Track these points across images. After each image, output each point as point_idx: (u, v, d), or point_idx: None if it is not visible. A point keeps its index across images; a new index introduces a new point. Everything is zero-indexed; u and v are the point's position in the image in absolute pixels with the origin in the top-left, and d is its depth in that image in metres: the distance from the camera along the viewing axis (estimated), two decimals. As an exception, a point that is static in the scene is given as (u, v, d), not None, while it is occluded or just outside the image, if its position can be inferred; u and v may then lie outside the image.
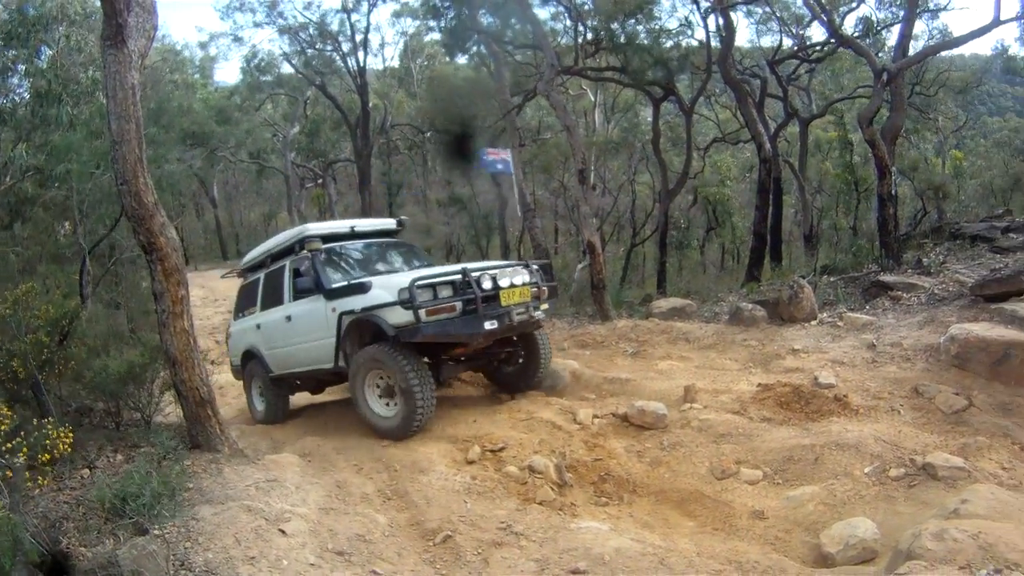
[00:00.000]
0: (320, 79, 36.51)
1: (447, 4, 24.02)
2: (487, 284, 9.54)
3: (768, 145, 21.87)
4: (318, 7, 53.31)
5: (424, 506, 7.36)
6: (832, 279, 15.44)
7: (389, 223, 12.53)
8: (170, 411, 9.82)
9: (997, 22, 16.17)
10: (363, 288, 9.72)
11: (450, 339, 9.48)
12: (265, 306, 11.97)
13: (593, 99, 33.68)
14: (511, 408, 10.13)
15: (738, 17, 24.18)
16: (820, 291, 14.17)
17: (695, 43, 24.36)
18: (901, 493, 7.12)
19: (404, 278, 9.43)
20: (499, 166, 18.42)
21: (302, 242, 10.99)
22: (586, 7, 23.37)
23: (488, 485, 7.75)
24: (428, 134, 37.52)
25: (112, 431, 9.33)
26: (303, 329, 10.81)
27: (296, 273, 11.12)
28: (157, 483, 6.49)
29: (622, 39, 22.24)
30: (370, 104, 36.25)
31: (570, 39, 24.17)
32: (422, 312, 8.99)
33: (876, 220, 17.13)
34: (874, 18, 23.98)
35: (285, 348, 11.36)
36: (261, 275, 12.27)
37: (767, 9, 25.08)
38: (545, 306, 10.48)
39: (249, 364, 12.47)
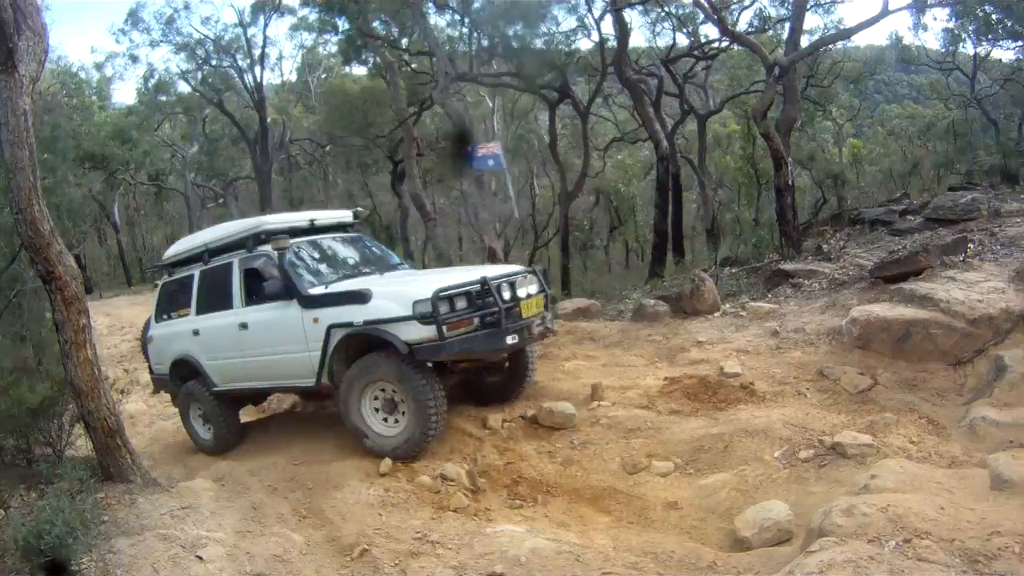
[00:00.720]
0: (218, 96, 36.04)
1: (342, 14, 23.74)
2: (507, 295, 8.83)
3: (665, 143, 22.24)
4: (216, 22, 52.51)
5: (340, 522, 7.31)
6: (734, 271, 15.67)
7: (346, 215, 11.32)
8: (81, 444, 9.39)
9: (886, 12, 16.77)
10: (361, 297, 8.56)
11: (471, 356, 8.81)
12: (204, 308, 10.51)
13: (491, 105, 33.79)
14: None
15: (633, 18, 24.54)
16: (722, 283, 14.33)
17: (590, 45, 24.62)
18: (812, 474, 7.22)
19: (414, 286, 8.63)
20: (490, 162, 17.87)
21: (258, 237, 9.89)
22: (482, 13, 23.38)
23: (401, 496, 7.69)
24: (328, 148, 37.20)
25: (24, 468, 8.91)
26: (267, 340, 9.54)
27: (251, 274, 9.84)
28: (71, 518, 6.22)
29: (515, 44, 22.27)
30: (268, 120, 35.89)
31: (466, 46, 24.20)
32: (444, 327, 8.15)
33: (775, 210, 17.45)
34: (769, 14, 24.55)
35: (237, 359, 10.02)
36: (195, 272, 10.75)
37: (661, 10, 25.40)
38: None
39: (181, 376, 11.00)
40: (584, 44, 25.74)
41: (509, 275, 9.20)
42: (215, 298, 10.35)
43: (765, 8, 25.02)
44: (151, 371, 11.99)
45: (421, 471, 8.18)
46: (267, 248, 9.66)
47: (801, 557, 4.87)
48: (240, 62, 35.09)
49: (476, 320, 8.47)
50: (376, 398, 8.70)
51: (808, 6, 21.54)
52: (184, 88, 39.01)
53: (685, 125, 28.95)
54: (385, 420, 8.68)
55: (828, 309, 11.25)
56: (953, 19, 24.73)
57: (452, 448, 8.71)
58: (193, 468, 9.92)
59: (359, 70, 31.46)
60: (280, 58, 60.57)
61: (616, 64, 21.90)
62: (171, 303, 11.24)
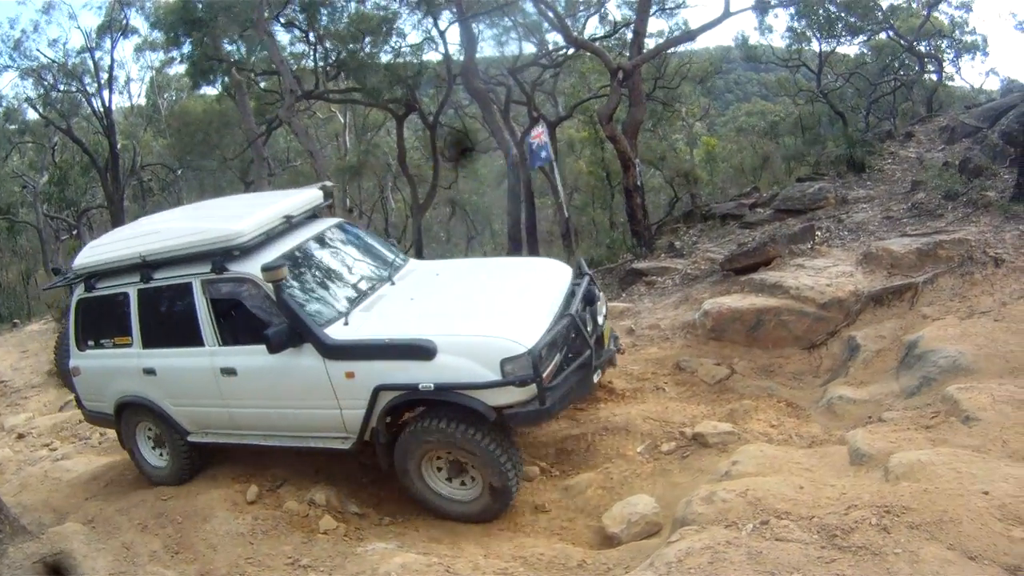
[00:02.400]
0: (66, 123, 34.53)
1: (188, 35, 23.20)
2: (590, 325, 7.63)
3: (515, 151, 22.37)
4: (64, 44, 50.59)
5: (211, 555, 7.18)
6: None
7: (316, 197, 9.12)
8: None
9: (728, 14, 17.54)
10: (423, 353, 6.84)
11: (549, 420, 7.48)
12: (155, 341, 8.55)
13: (343, 121, 33.53)
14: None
15: (480, 28, 24.75)
16: (577, 285, 14.40)
17: (439, 57, 24.74)
18: (676, 465, 7.33)
19: (483, 325, 7.11)
20: (543, 154, 16.99)
21: (228, 254, 7.78)
22: (329, 29, 23.25)
23: (271, 523, 7.54)
24: (180, 172, 36.26)
25: None
26: (271, 392, 7.85)
27: (223, 303, 8.07)
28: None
29: (360, 60, 22.23)
30: (119, 145, 34.62)
31: (315, 62, 24.07)
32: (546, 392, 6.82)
33: (626, 211, 17.74)
34: (614, 19, 25.03)
35: (221, 410, 8.31)
36: (130, 291, 8.58)
37: (508, 19, 25.66)
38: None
39: (132, 419, 9.23)
40: (434, 56, 25.86)
41: (585, 293, 7.93)
42: (171, 330, 8.46)
43: (609, 13, 25.60)
44: (79, 403, 9.92)
45: (288, 497, 8.03)
46: (245, 271, 7.73)
47: (662, 547, 4.91)
48: (88, 86, 33.77)
49: (561, 363, 7.25)
50: (439, 459, 7.37)
51: (652, 11, 22.11)
52: (32, 115, 37.33)
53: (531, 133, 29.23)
54: (450, 480, 7.41)
55: (682, 304, 11.45)
56: (796, 19, 25.61)
57: (318, 470, 8.51)
58: (63, 512, 9.34)
59: (210, 90, 30.77)
60: (128, 81, 58.74)
61: (464, 75, 22.04)
62: (97, 328, 9.12)
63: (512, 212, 22.75)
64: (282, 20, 23.16)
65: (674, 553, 4.60)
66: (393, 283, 8.42)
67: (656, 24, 27.41)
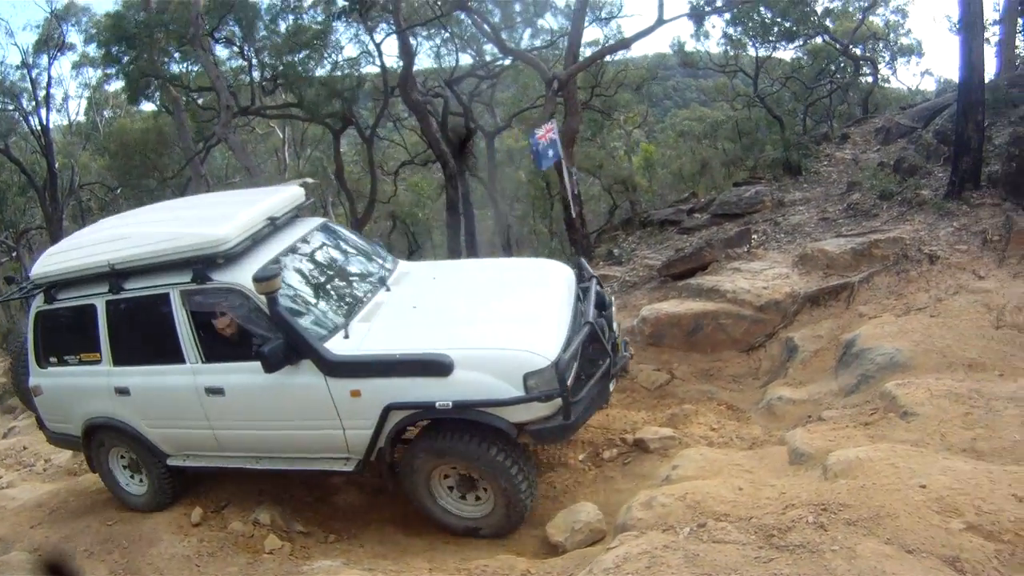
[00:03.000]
0: (3, 142, 33.87)
1: (122, 50, 22.90)
2: (605, 333, 7.31)
3: (452, 163, 22.40)
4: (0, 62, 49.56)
5: None
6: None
7: (298, 195, 8.50)
8: None
9: (661, 22, 17.69)
10: (439, 368, 6.41)
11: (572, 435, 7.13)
12: (128, 358, 7.85)
13: (282, 136, 33.35)
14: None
15: (418, 40, 24.83)
16: (515, 296, 14.39)
17: (376, 70, 24.79)
18: (618, 472, 7.37)
19: (498, 336, 6.72)
20: (551, 153, 16.57)
21: (211, 262, 7.17)
22: (267, 43, 23.16)
23: (216, 545, 7.46)
24: (119, 191, 35.73)
25: None
26: (263, 412, 7.28)
27: (205, 316, 7.37)
28: None
29: (297, 74, 22.17)
30: (57, 164, 34.02)
31: (253, 77, 23.95)
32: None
33: (564, 220, 17.80)
34: (551, 29, 25.26)
35: (203, 431, 7.69)
36: (97, 302, 7.83)
37: (445, 31, 25.76)
38: None
39: (101, 441, 8.53)
40: (372, 69, 25.90)
41: (597, 297, 7.63)
42: (146, 345, 7.78)
43: (545, 24, 25.76)
44: (41, 425, 9.13)
45: (233, 518, 7.92)
46: (232, 280, 7.12)
47: (601, 554, 4.91)
48: (25, 104, 33.17)
49: (580, 373, 6.94)
50: (447, 477, 7.01)
51: (588, 22, 22.35)
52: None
53: (475, 144, 29.32)
54: (464, 497, 7.03)
55: (620, 311, 11.42)
56: (731, 25, 25.89)
57: (261, 490, 8.39)
58: (9, 541, 9.06)
59: (148, 107, 30.37)
60: (66, 98, 57.75)
61: (401, 87, 22.02)
62: (60, 343, 8.35)
63: (452, 224, 22.76)
64: (218, 35, 22.96)
65: (612, 559, 4.58)
66: (389, 288, 7.94)
67: (593, 33, 27.65)
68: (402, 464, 6.97)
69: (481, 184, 28.65)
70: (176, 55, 24.26)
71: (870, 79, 27.00)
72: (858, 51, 26.51)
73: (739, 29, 25.91)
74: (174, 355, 7.47)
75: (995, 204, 10.20)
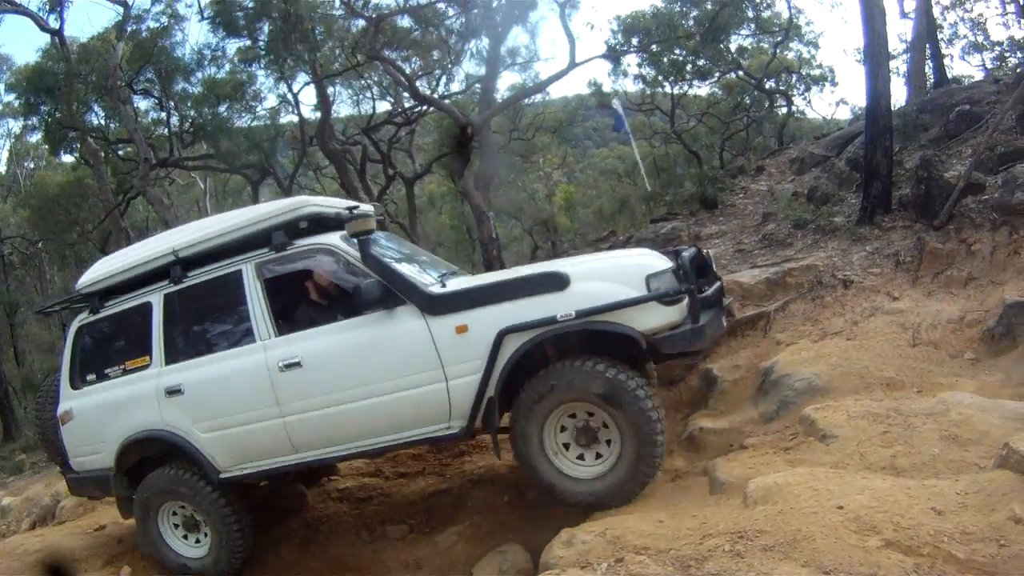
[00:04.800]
0: None
1: (41, 101, 22.56)
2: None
3: (375, 212, 22.43)
4: None
5: None
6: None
7: (371, 210, 7.38)
8: None
9: (573, 65, 18.32)
10: (556, 282, 6.16)
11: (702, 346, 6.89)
12: (185, 352, 7.34)
13: (203, 187, 33.07)
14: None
15: (336, 90, 24.96)
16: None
17: (294, 119, 24.92)
18: (541, 511, 7.25)
19: (598, 263, 6.67)
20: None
21: (294, 227, 7.02)
22: (186, 94, 23.10)
23: None
24: (40, 244, 35.06)
25: None
26: (351, 378, 6.63)
27: (282, 284, 7.22)
28: None
29: (215, 125, 22.13)
30: (-24, 217, 33.38)
31: (174, 128, 23.85)
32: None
33: (483, 264, 17.97)
34: (466, 74, 25.58)
35: (273, 422, 6.94)
36: (154, 299, 7.47)
37: (362, 80, 25.95)
38: None
39: (137, 465, 7.65)
40: (292, 118, 25.92)
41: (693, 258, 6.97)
42: (207, 334, 7.39)
43: (461, 71, 26.05)
44: (65, 467, 8.12)
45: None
46: (319, 241, 6.93)
47: None
48: None
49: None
50: (563, 430, 6.44)
51: (503, 68, 22.74)
52: None
53: (395, 190, 29.32)
54: (582, 458, 6.43)
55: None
56: (644, 66, 26.34)
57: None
58: None
59: (68, 158, 29.94)
60: (-13, 149, 56.69)
61: (318, 136, 22.03)
62: (102, 355, 7.81)
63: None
64: (137, 87, 22.79)
65: (533, 599, 4.56)
66: (461, 275, 7.75)
67: (512, 78, 27.96)
68: (514, 414, 6.44)
69: (403, 230, 28.62)
70: (96, 106, 24.01)
71: (784, 111, 27.64)
72: (772, 84, 27.12)
73: (651, 70, 26.36)
74: (241, 336, 7.10)
75: (906, 227, 10.39)
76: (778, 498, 4.97)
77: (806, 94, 28.06)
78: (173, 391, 7.18)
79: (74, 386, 7.79)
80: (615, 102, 18.19)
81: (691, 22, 23.09)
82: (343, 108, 29.18)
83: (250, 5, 18.68)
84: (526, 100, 25.42)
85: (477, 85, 24.59)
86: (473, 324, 6.25)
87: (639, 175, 27.71)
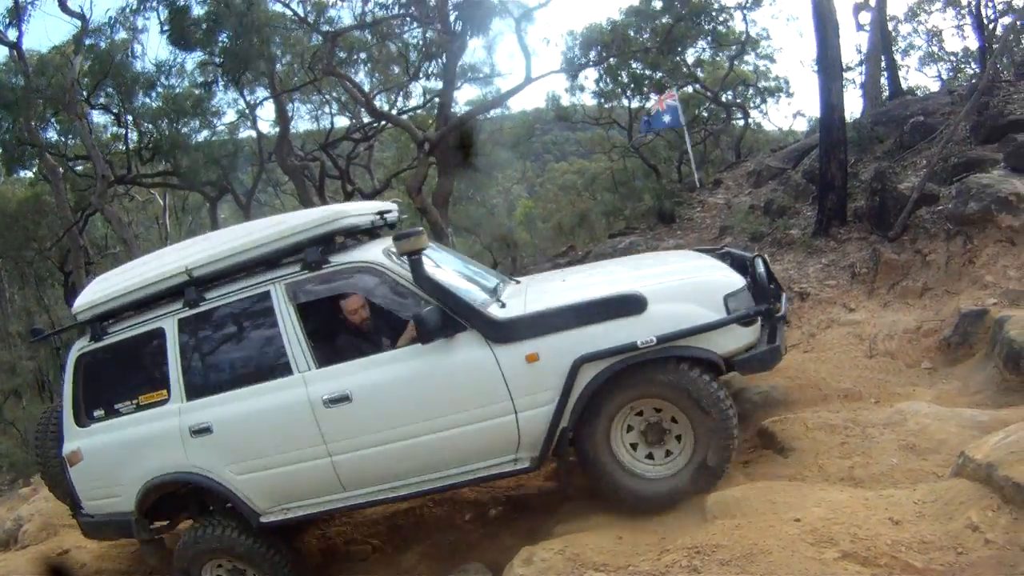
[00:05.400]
0: None
1: None
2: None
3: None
4: None
5: None
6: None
7: (394, 207, 7.45)
8: None
9: (529, 80, 18.55)
10: (633, 304, 5.65)
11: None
12: (204, 388, 6.53)
13: (162, 203, 32.80)
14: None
15: (294, 105, 24.91)
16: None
17: (253, 135, 24.82)
18: (504, 529, 7.27)
19: (685, 272, 6.32)
20: (666, 119, 15.77)
21: (327, 241, 6.32)
22: (145, 109, 22.93)
23: None
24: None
25: None
26: (414, 412, 5.98)
27: (317, 309, 6.55)
28: None
29: (174, 141, 21.99)
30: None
31: (133, 144, 23.66)
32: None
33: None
34: (424, 89, 25.66)
35: (317, 462, 6.22)
36: (166, 324, 6.65)
37: (321, 95, 25.93)
38: None
39: (199, 554, 6.74)
40: (251, 134, 25.81)
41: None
42: (234, 365, 6.59)
43: (418, 87, 26.12)
44: (77, 510, 7.20)
45: None
46: (359, 258, 6.21)
47: None
48: None
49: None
50: (629, 430, 5.97)
51: (462, 83, 22.88)
52: None
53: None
54: (651, 456, 5.95)
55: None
56: (602, 81, 26.49)
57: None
58: None
59: (27, 174, 29.67)
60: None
61: (277, 152, 21.97)
62: (109, 387, 6.97)
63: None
64: (95, 102, 22.57)
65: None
66: (518, 282, 7.23)
67: (471, 92, 28.04)
68: (580, 428, 5.84)
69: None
70: (53, 122, 23.76)
71: (741, 123, 27.87)
72: (728, 97, 27.35)
73: (608, 85, 26.52)
74: (275, 368, 6.31)
75: (861, 238, 10.50)
76: (736, 512, 5.00)
77: (762, 106, 28.40)
78: (200, 430, 6.39)
79: (80, 423, 6.90)
80: (670, 97, 17.62)
81: (647, 35, 23.29)
82: (302, 123, 29.09)
83: (204, 16, 18.56)
84: (484, 115, 25.47)
85: (436, 99, 24.66)
86: (545, 353, 5.70)
87: (599, 189, 27.91)
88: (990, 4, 21.69)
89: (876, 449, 5.86)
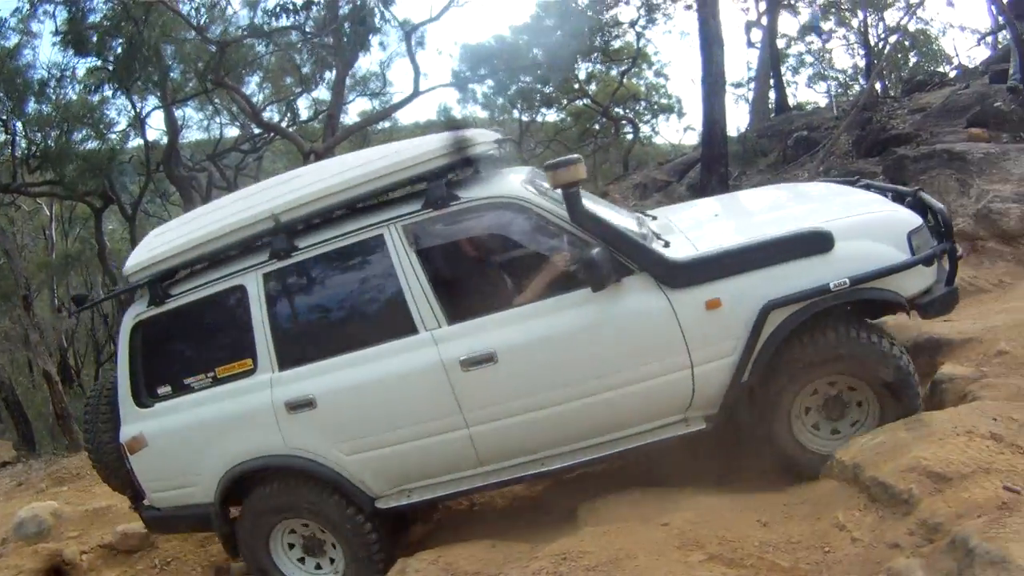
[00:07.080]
0: None
1: None
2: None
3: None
4: None
5: None
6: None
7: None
8: None
9: (417, 93, 19.24)
10: (820, 241, 4.95)
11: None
12: (303, 354, 5.52)
13: (49, 213, 31.95)
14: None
15: (185, 115, 24.53)
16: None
17: (141, 144, 24.36)
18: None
19: (861, 205, 5.61)
20: None
21: (443, 184, 5.21)
22: (35, 115, 22.28)
23: None
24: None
25: None
26: (572, 371, 5.11)
27: (436, 253, 5.53)
28: None
29: (60, 148, 21.44)
30: None
31: (20, 152, 22.89)
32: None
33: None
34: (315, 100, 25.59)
35: (466, 431, 5.28)
36: (249, 282, 5.61)
37: (211, 105, 25.69)
38: None
39: (261, 515, 5.86)
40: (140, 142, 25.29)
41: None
42: (340, 326, 5.66)
43: (310, 99, 26.02)
44: (138, 502, 6.31)
45: None
46: (496, 192, 5.24)
47: None
48: None
49: None
50: (809, 407, 5.28)
51: (354, 95, 22.95)
52: None
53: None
54: (834, 432, 5.25)
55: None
56: (494, 95, 26.68)
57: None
58: None
59: None
60: None
61: (164, 162, 21.56)
62: (177, 360, 5.98)
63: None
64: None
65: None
66: (655, 218, 6.28)
67: (364, 105, 27.97)
68: (760, 394, 5.13)
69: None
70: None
71: (630, 137, 28.29)
72: (619, 112, 27.73)
73: (499, 99, 26.72)
74: (393, 326, 5.35)
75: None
76: (606, 519, 5.00)
77: (653, 121, 28.87)
78: (300, 404, 5.45)
79: (141, 403, 5.91)
80: None
81: (537, 52, 23.47)
82: (192, 133, 28.64)
83: (102, 20, 18.11)
84: (374, 127, 25.45)
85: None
86: (728, 297, 4.97)
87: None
88: (882, 22, 22.39)
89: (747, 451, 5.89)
